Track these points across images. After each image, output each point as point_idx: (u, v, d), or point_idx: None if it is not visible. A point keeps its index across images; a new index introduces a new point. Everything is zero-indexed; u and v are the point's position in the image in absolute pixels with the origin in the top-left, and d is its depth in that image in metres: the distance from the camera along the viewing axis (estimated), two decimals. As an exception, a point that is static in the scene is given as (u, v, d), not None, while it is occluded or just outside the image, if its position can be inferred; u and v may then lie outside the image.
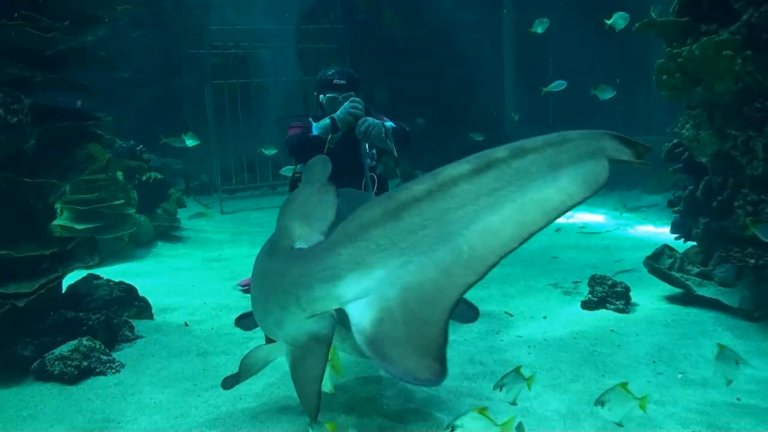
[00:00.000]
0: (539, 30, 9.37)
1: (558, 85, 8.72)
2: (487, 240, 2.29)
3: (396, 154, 5.23)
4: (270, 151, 10.59)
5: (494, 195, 2.29)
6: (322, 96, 5.42)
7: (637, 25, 5.36)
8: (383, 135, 5.15)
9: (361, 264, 2.46)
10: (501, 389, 3.56)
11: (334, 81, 5.40)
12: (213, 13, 13.75)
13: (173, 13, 14.34)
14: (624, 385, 3.26)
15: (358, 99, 5.15)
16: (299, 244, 2.98)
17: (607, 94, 8.66)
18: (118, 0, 5.27)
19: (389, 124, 5.25)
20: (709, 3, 5.07)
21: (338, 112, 5.12)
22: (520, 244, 2.28)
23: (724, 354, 3.71)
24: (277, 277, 3.04)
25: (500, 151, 2.31)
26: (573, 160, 2.32)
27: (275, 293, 3.04)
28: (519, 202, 2.28)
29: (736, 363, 3.68)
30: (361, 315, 2.42)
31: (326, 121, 5.12)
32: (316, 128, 5.13)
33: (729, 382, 3.75)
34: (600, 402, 3.26)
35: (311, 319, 2.79)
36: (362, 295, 2.43)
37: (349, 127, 5.13)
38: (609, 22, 7.05)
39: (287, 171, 8.63)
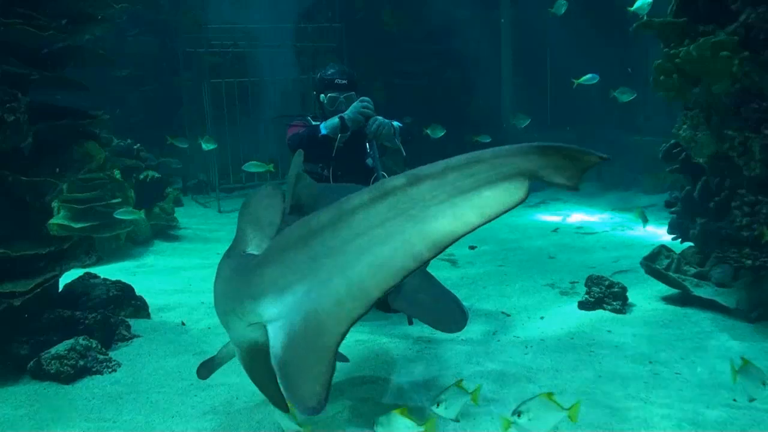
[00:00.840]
0: (560, 12, 9.15)
1: (590, 79, 8.39)
2: (375, 272, 2.27)
3: (404, 154, 5.25)
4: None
5: (386, 225, 2.27)
6: (323, 95, 5.43)
7: (634, 25, 5.35)
8: (393, 134, 5.17)
9: (277, 286, 2.49)
10: (438, 405, 3.26)
11: (336, 80, 5.42)
12: (211, 11, 13.72)
13: (171, 11, 14.31)
14: (549, 395, 3.06)
15: (367, 99, 5.15)
16: (251, 249, 2.98)
17: (626, 97, 8.45)
18: (116, -1, 5.26)
19: (396, 123, 5.26)
20: (706, 3, 5.07)
21: (348, 112, 5.10)
22: (405, 277, 2.26)
23: (747, 371, 3.56)
24: (222, 283, 3.07)
25: (398, 179, 2.26)
26: (479, 184, 2.21)
27: (221, 298, 3.07)
28: (408, 233, 2.24)
29: (763, 384, 3.52)
30: (275, 337, 2.44)
31: (335, 120, 5.10)
32: (325, 128, 5.11)
33: (752, 400, 3.67)
34: (517, 413, 3.04)
35: (250, 327, 2.80)
36: (277, 318, 2.44)
37: (358, 127, 5.13)
38: (632, 9, 6.92)
39: (250, 167, 8.58)
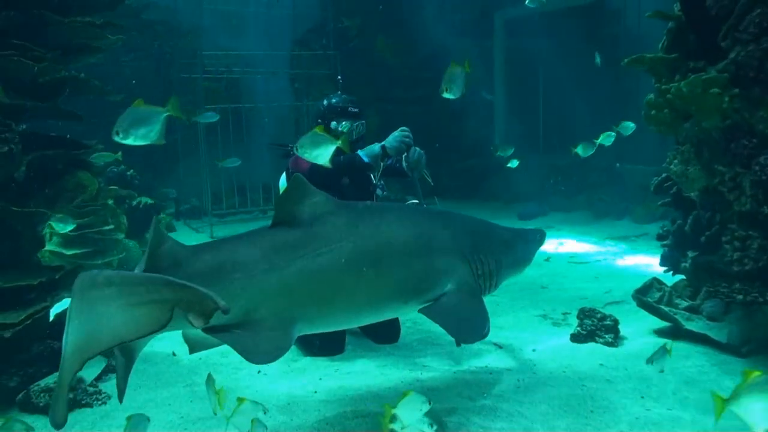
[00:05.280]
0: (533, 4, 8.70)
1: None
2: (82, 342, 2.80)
3: (432, 183, 5.31)
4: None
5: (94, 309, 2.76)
6: (334, 123, 5.49)
7: (625, 60, 5.41)
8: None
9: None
10: None
11: (349, 109, 5.56)
12: (205, 37, 13.81)
13: (166, 37, 14.39)
14: None
15: (407, 128, 5.20)
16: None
17: (586, 151, 8.24)
18: (111, 29, 5.30)
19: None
20: (697, 40, 5.13)
21: (390, 140, 5.14)
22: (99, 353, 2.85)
23: None
24: None
25: (101, 276, 2.79)
26: (134, 304, 2.72)
27: None
28: (98, 323, 2.75)
29: None
30: None
31: (375, 148, 5.11)
32: (366, 156, 5.11)
33: None
34: None
35: None
36: None
37: (399, 155, 5.18)
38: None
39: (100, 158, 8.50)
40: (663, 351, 3.96)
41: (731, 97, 4.69)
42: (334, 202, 3.86)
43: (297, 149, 4.19)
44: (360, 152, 5.13)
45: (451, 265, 4.08)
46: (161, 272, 3.26)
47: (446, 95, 4.93)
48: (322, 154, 4.15)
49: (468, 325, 3.98)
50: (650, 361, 4.01)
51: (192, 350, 3.83)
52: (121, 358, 3.58)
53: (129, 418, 3.49)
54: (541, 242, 4.92)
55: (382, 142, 5.11)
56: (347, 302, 3.76)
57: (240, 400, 3.41)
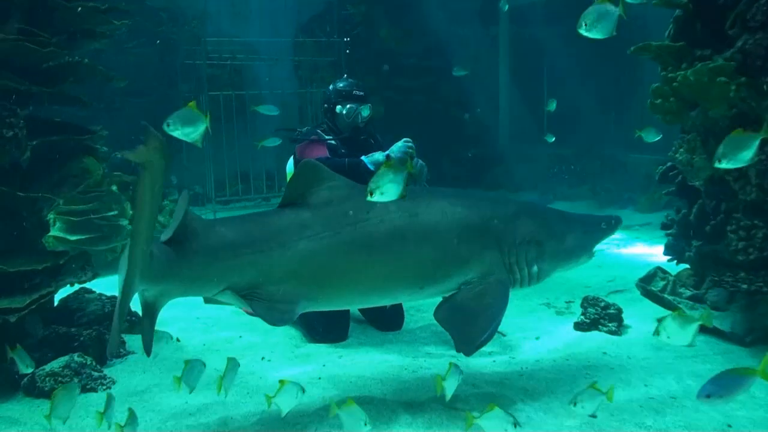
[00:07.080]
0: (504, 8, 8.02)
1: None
2: None
3: None
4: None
5: None
6: (339, 106, 5.53)
7: (631, 48, 5.39)
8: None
9: None
10: (575, 405, 3.54)
11: (354, 92, 5.58)
12: (209, 24, 13.76)
13: (170, 23, 14.33)
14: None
15: (410, 140, 5.21)
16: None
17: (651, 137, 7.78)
18: (116, 14, 5.28)
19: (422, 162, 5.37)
20: (704, 28, 5.11)
21: (393, 150, 5.14)
22: None
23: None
24: None
25: None
26: None
27: None
28: None
29: None
30: None
31: (380, 157, 5.10)
32: (370, 163, 5.10)
33: None
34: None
35: None
36: None
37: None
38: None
39: None
40: (593, 393, 3.66)
41: (738, 85, 4.66)
42: (349, 185, 3.95)
43: (167, 125, 3.96)
44: (364, 158, 5.14)
45: (475, 252, 4.01)
46: (183, 241, 3.57)
47: (372, 199, 3.63)
48: (194, 132, 3.97)
49: (467, 329, 3.93)
50: (573, 402, 3.72)
51: (206, 301, 3.99)
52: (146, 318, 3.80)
53: (187, 362, 3.79)
54: (608, 231, 4.56)
55: (386, 152, 5.13)
56: (353, 284, 3.85)
57: (349, 401, 3.34)
